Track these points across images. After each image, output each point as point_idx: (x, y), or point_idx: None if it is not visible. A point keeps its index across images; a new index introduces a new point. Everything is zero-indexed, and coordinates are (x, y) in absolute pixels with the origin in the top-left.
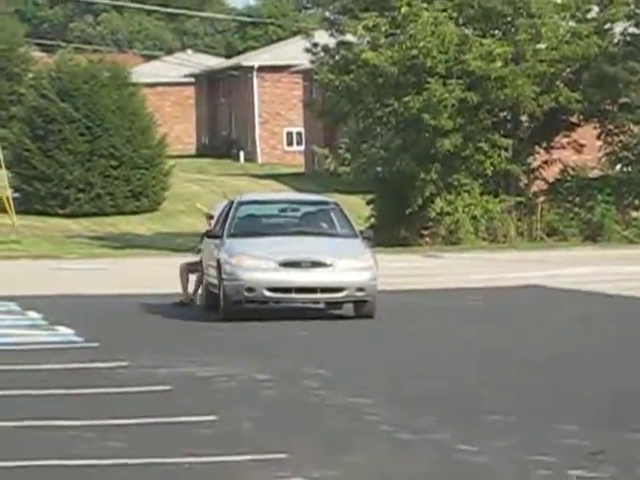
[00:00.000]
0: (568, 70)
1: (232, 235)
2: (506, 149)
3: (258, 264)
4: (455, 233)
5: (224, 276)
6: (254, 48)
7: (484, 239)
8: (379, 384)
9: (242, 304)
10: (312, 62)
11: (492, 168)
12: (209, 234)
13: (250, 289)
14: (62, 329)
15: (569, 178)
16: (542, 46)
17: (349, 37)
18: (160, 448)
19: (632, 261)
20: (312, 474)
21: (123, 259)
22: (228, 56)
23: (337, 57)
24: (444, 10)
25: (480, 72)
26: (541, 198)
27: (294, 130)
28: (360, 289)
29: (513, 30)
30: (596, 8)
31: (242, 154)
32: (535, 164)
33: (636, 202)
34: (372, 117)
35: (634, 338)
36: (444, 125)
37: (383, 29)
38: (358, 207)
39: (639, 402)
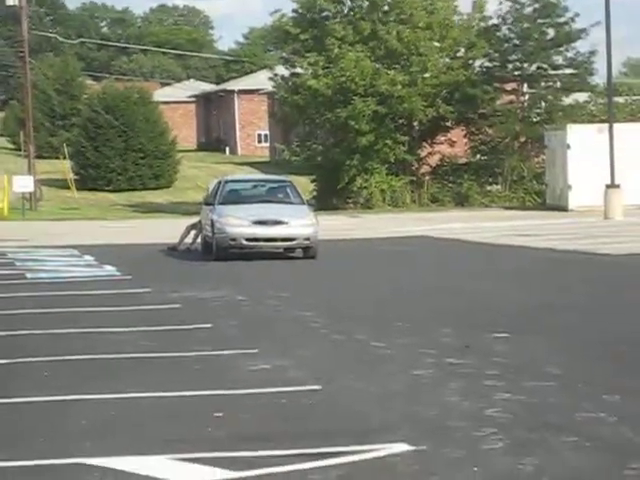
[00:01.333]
0: (445, 91)
1: (221, 203)
2: (403, 144)
3: (239, 222)
4: (369, 201)
5: (216, 231)
6: (235, 77)
7: (389, 205)
8: (319, 303)
9: (228, 249)
10: (274, 87)
11: (394, 157)
12: (206, 202)
13: (233, 239)
14: (107, 267)
15: (445, 163)
16: (427, 75)
17: (298, 69)
18: (175, 345)
19: (486, 219)
20: (275, 363)
21: (148, 220)
22: (218, 83)
23: (290, 83)
24: (362, 51)
25: (387, 93)
26: (427, 177)
27: (262, 132)
28: (307, 239)
29: (408, 64)
30: (463, 49)
31: (227, 149)
32: (423, 154)
33: (490, 179)
34: (314, 124)
35: (484, 269)
36: (363, 128)
37: (321, 64)
38: (305, 185)
39: (493, 313)
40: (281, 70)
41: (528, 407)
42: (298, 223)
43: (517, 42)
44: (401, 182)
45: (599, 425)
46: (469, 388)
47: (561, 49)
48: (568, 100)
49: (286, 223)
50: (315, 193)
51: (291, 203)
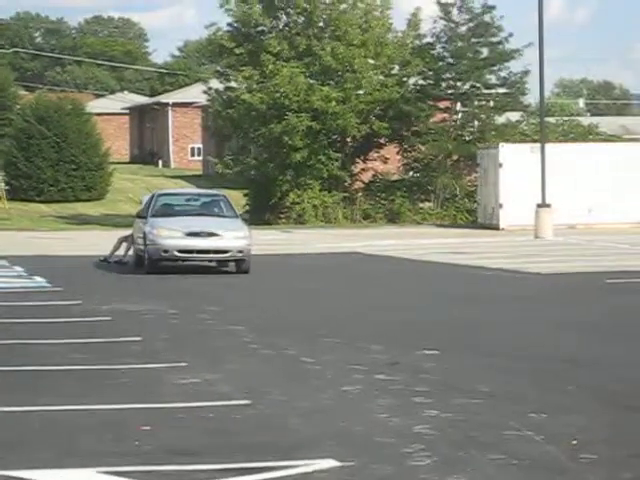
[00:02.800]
0: (378, 108)
1: (154, 215)
2: (337, 160)
3: (171, 234)
4: (302, 217)
5: (148, 242)
6: (169, 90)
7: (321, 221)
8: (251, 317)
9: (160, 262)
10: (208, 100)
11: (327, 173)
12: (139, 215)
13: (165, 251)
14: (38, 278)
15: (378, 180)
16: (361, 92)
17: (233, 84)
18: (104, 358)
19: (418, 237)
20: (204, 376)
21: (80, 231)
22: (152, 95)
23: (224, 97)
24: (297, 67)
25: (321, 109)
26: (360, 193)
27: (195, 146)
28: (240, 251)
29: (343, 81)
30: (397, 67)
31: (160, 162)
32: (356, 171)
33: (422, 197)
34: (247, 138)
35: (414, 287)
36: (296, 144)
37: (256, 79)
38: (238, 198)
39: (423, 329)
40: (215, 84)
41: (456, 424)
42: (231, 235)
43: (451, 61)
44: (334, 198)
45: (526, 443)
46: (398, 404)
47: (494, 68)
48: (501, 119)
49: (219, 235)
50: (248, 207)
51: (224, 216)
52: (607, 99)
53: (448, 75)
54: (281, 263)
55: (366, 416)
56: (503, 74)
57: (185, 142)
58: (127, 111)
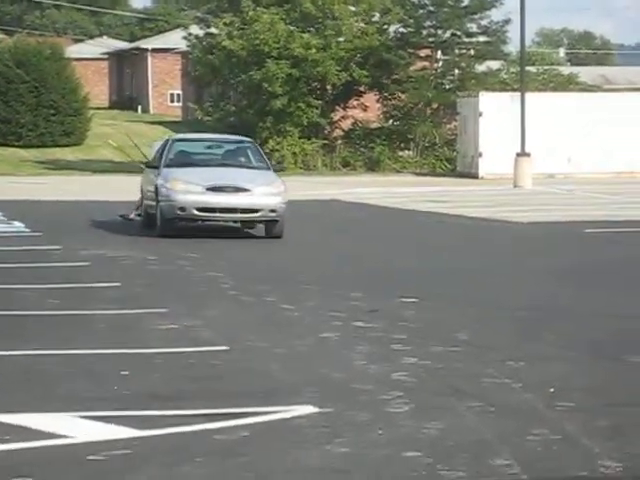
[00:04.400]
0: (359, 56)
1: (167, 165)
2: (317, 108)
3: (189, 188)
4: (281, 164)
5: (161, 198)
6: (149, 36)
7: (301, 168)
8: (230, 265)
9: (175, 221)
10: (188, 46)
11: (307, 120)
12: (148, 164)
13: (182, 208)
14: (16, 223)
15: (358, 128)
16: (342, 39)
17: (213, 30)
18: (82, 303)
19: (397, 185)
20: (183, 322)
21: (59, 177)
22: (131, 41)
23: (204, 43)
24: (277, 13)
25: (301, 56)
26: (339, 141)
27: (175, 92)
28: (272, 210)
29: (323, 28)
30: (378, 15)
31: (140, 107)
32: (336, 118)
33: (402, 145)
34: (227, 84)
35: (394, 234)
36: (276, 91)
37: (236, 25)
38: None
39: (402, 277)
40: (196, 30)
41: (434, 372)
42: (262, 191)
43: (432, 9)
44: (313, 145)
45: (503, 391)
46: (376, 352)
47: (475, 17)
48: (481, 68)
49: (248, 190)
50: None
51: (254, 167)
52: (588, 49)
53: (429, 23)
54: None
55: (345, 363)
56: (484, 22)
57: (164, 88)
58: (106, 56)
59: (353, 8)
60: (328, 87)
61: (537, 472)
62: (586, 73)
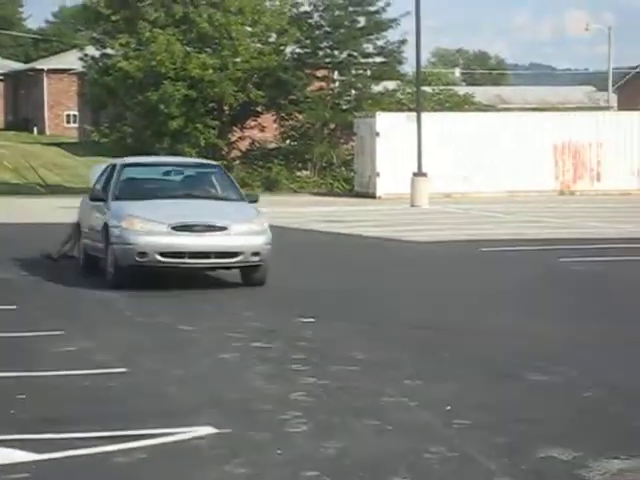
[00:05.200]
0: (256, 76)
1: (118, 198)
2: (214, 128)
3: (149, 227)
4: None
5: (113, 239)
6: (44, 56)
7: None
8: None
9: (132, 269)
10: (84, 67)
11: (205, 141)
12: (93, 197)
13: (142, 254)
14: None
15: (255, 148)
16: (239, 60)
17: (109, 51)
18: None
19: (295, 205)
20: (79, 344)
21: None
22: (26, 62)
23: (100, 64)
24: (174, 34)
25: (198, 77)
26: (237, 162)
27: (71, 113)
28: (255, 253)
29: (220, 48)
30: (275, 35)
31: (35, 129)
32: (233, 139)
33: (299, 165)
34: (124, 106)
35: (293, 255)
36: (173, 112)
37: (132, 46)
38: None
39: (300, 297)
40: (92, 51)
41: (332, 391)
42: (242, 229)
43: (328, 29)
44: None
45: (401, 409)
46: (275, 372)
47: (372, 37)
48: (378, 88)
49: (224, 229)
50: None
51: (225, 199)
52: (483, 69)
53: (325, 44)
54: None
55: (243, 384)
56: (380, 43)
57: (61, 109)
58: (1, 77)
59: (250, 29)
60: (225, 108)
61: None
62: (481, 93)
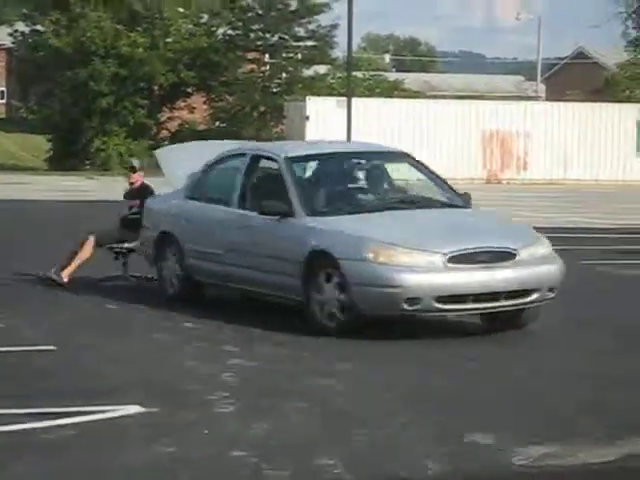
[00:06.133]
0: (187, 57)
1: (316, 212)
2: (143, 108)
3: (417, 260)
4: (107, 163)
5: (354, 279)
6: None
7: (126, 168)
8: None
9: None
10: (13, 43)
11: (133, 120)
12: (265, 209)
13: (413, 300)
14: None
15: (185, 129)
16: (170, 40)
17: (39, 27)
18: None
19: None
20: (9, 322)
21: None
22: None
23: (30, 40)
24: (105, 12)
25: (128, 55)
26: (166, 142)
27: None
28: (552, 289)
29: (151, 28)
30: (207, 17)
31: None
32: (162, 119)
33: None
34: (53, 82)
35: None
36: (102, 89)
37: (63, 23)
38: (42, 144)
39: None
40: (21, 27)
41: (261, 373)
42: (534, 254)
43: (260, 12)
44: (139, 146)
45: (329, 392)
46: (204, 353)
47: (303, 21)
48: (308, 72)
49: (513, 256)
50: (51, 153)
51: (450, 205)
52: (413, 55)
53: (257, 26)
54: (86, 211)
55: (173, 364)
56: (312, 27)
57: None
58: None
59: (182, 9)
60: (155, 87)
61: (361, 471)
62: (411, 79)
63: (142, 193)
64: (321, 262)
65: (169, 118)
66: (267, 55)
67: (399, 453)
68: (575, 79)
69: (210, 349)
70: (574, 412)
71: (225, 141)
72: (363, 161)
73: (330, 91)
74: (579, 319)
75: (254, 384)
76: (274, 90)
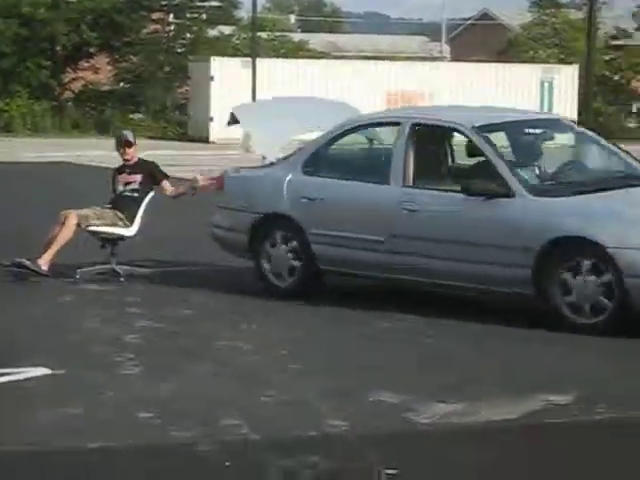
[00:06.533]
0: (90, 17)
1: (541, 191)
2: (46, 69)
3: None
4: (10, 125)
5: (631, 271)
6: None
7: (29, 130)
8: None
9: None
10: None
11: (36, 81)
12: (474, 188)
13: None
14: None
15: (88, 90)
16: (72, 0)
17: None
18: None
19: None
20: None
21: None
22: None
23: None
24: None
25: (29, 15)
26: (69, 103)
27: None
28: None
29: None
30: None
31: None
32: (66, 80)
33: (133, 108)
34: None
35: None
36: (4, 50)
37: None
38: None
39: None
40: None
41: (167, 335)
42: None
43: None
44: (42, 107)
45: (236, 353)
46: (110, 315)
47: None
48: (213, 32)
49: None
50: None
51: None
52: (318, 16)
53: None
54: None
55: (78, 326)
56: None
57: None
58: None
59: None
60: (58, 48)
61: (266, 431)
62: (316, 40)
63: (147, 168)
64: (573, 250)
65: (73, 79)
66: (171, 15)
67: (305, 413)
68: (480, 40)
69: (116, 311)
70: (480, 371)
71: (324, 100)
72: (540, 130)
73: (235, 52)
74: None
75: (160, 346)
76: (179, 50)
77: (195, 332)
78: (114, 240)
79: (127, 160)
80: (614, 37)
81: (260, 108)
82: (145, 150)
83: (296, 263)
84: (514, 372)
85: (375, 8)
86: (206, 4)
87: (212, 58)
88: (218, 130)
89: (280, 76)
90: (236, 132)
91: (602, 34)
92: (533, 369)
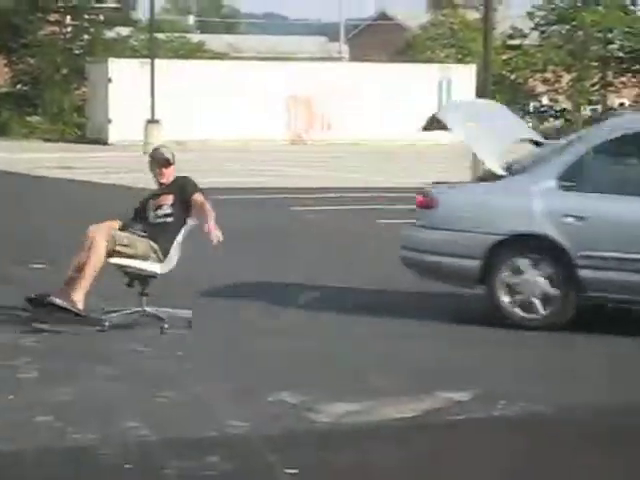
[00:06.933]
0: None
1: None
2: None
3: None
4: None
5: None
6: None
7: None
8: None
9: None
10: None
11: None
12: None
13: None
14: None
15: None
16: None
17: None
18: None
19: (26, 151)
20: None
21: None
22: None
23: None
24: None
25: None
26: None
27: None
28: None
29: None
30: None
31: None
32: None
33: (30, 110)
34: None
35: (18, 201)
36: None
37: None
38: None
39: (31, 244)
40: None
41: (65, 338)
42: None
43: None
44: None
45: (134, 356)
46: (5, 318)
47: None
48: (111, 34)
49: None
50: None
51: None
52: (217, 17)
53: None
54: None
55: None
56: None
57: None
58: None
59: None
60: None
61: (166, 433)
62: (214, 41)
63: (178, 184)
64: None
65: None
66: (69, 17)
67: (205, 414)
68: (378, 40)
69: (11, 314)
70: (380, 370)
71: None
72: None
73: (133, 53)
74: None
75: (58, 349)
76: (76, 52)
77: (93, 335)
78: (144, 278)
79: (162, 184)
80: (510, 37)
81: (470, 112)
82: (43, 152)
83: (554, 291)
84: (411, 367)
85: (274, 9)
86: (104, 5)
87: (110, 59)
88: (117, 132)
89: (179, 77)
90: (135, 135)
91: (498, 34)
92: (433, 364)
